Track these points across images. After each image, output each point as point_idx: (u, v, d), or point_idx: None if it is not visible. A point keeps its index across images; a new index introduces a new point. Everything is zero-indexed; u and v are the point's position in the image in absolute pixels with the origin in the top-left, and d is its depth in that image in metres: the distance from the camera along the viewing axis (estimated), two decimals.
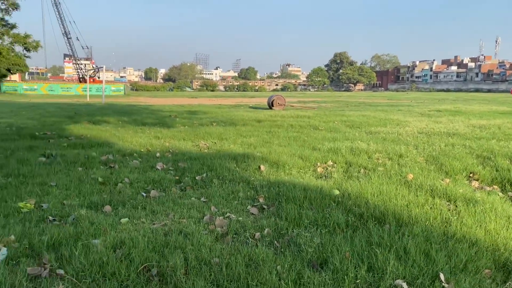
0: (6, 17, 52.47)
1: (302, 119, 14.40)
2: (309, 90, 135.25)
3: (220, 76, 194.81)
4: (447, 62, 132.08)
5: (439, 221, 3.71)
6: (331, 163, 6.32)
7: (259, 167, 5.93)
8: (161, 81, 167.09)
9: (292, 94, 74.08)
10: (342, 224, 3.59)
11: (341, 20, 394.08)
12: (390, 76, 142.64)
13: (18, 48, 56.05)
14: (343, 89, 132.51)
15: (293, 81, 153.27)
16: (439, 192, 4.55)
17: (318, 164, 6.28)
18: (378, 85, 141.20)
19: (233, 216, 3.88)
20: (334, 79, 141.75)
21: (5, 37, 54.13)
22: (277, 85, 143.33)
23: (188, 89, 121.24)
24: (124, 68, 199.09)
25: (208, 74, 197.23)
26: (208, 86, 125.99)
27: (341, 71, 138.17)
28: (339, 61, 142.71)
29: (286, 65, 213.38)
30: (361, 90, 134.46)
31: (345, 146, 7.69)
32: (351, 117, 14.89)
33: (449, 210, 4.05)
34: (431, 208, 4.06)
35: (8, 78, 61.44)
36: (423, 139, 9.01)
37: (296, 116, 15.61)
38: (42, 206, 4.04)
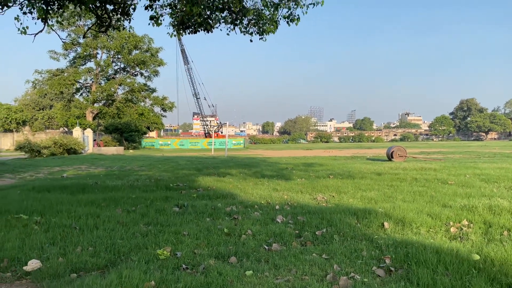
0: (148, 83, 62.07)
1: (427, 171, 13.35)
2: (432, 139, 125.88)
3: (334, 127, 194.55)
4: None
5: None
6: (466, 223, 5.66)
7: (383, 224, 5.61)
8: (277, 134, 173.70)
9: (413, 145, 69.78)
10: None
11: (467, 64, 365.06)
12: None
13: (157, 109, 65.17)
14: (472, 138, 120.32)
15: (413, 130, 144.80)
16: None
17: (451, 223, 5.68)
18: None
19: (357, 276, 3.68)
20: (461, 128, 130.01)
21: (147, 100, 63.57)
22: (395, 135, 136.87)
23: (302, 141, 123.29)
24: (243, 123, 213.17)
25: (322, 126, 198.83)
26: (322, 138, 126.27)
27: (469, 118, 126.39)
28: (466, 108, 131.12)
29: (405, 114, 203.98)
30: (494, 139, 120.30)
31: (482, 203, 6.83)
32: (485, 170, 13.28)
33: None
34: None
35: (147, 135, 70.53)
36: None
37: (420, 168, 14.55)
38: (177, 254, 4.39)
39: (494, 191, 8.72)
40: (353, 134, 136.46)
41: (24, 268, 4.00)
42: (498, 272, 3.59)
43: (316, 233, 5.31)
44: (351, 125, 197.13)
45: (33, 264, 4.05)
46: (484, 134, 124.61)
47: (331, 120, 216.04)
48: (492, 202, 6.99)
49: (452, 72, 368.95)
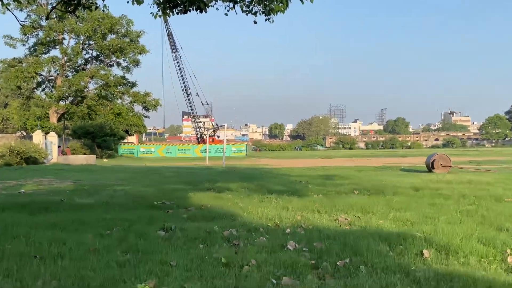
0: (127, 75, 62.41)
1: (477, 186, 13.30)
2: (484, 145, 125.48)
3: (360, 130, 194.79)
4: None
5: None
6: None
7: (422, 253, 5.59)
8: (288, 138, 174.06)
9: (460, 152, 69.60)
10: None
11: None
12: None
13: (137, 108, 65.46)
14: None
15: (459, 134, 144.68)
16: None
17: (508, 251, 5.65)
18: None
19: None
20: None
21: (125, 96, 63.82)
22: (437, 139, 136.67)
23: (320, 147, 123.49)
24: (246, 125, 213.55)
25: (345, 128, 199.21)
26: (345, 143, 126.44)
27: None
28: None
29: (449, 113, 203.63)
30: None
31: None
32: None
33: None
34: None
35: (125, 140, 70.82)
36: None
37: (468, 181, 14.51)
38: None
39: None
40: (383, 138, 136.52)
41: None
42: None
43: (338, 263, 5.29)
44: (381, 127, 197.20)
45: None
46: None
47: (355, 121, 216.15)
48: None
49: (508, 63, 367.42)
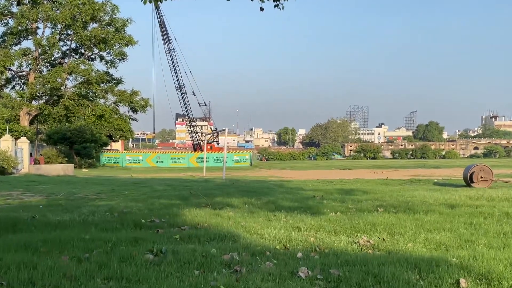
0: (111, 70, 62.60)
1: None
2: None
3: (385, 136, 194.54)
4: None
5: None
6: None
7: (458, 282, 5.56)
8: (300, 145, 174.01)
9: (504, 163, 69.38)
10: None
11: None
12: None
13: (123, 109, 65.66)
14: None
15: (503, 141, 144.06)
16: None
17: None
18: None
19: None
20: None
21: (109, 96, 64.00)
22: (476, 148, 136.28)
23: (338, 156, 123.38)
24: (251, 129, 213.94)
25: (368, 134, 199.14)
26: (368, 152, 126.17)
27: None
28: None
29: (491, 117, 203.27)
30: None
31: None
32: None
33: None
34: None
35: (109, 147, 71.04)
36: None
37: None
38: None
39: None
40: (413, 146, 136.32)
41: None
42: None
43: None
44: (410, 133, 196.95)
45: None
46: None
47: (380, 125, 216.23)
48: None
49: None
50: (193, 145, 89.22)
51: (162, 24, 79.95)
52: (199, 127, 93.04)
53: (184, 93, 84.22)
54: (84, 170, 47.71)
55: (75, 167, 43.29)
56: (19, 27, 55.79)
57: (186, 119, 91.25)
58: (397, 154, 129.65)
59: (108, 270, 6.27)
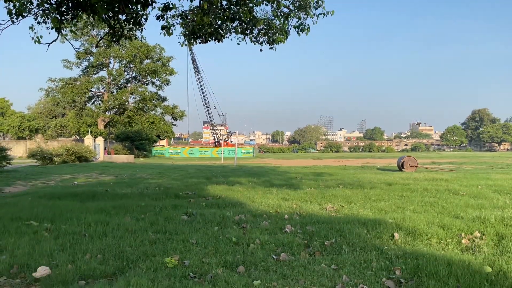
0: (159, 92, 62.62)
1: (438, 182, 13.19)
2: (444, 150, 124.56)
3: (344, 137, 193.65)
4: None
5: None
6: (478, 235, 5.56)
7: (393, 235, 5.54)
8: (287, 143, 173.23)
9: (424, 155, 69.11)
10: None
11: (479, 74, 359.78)
12: None
13: (167, 118, 65.59)
14: (484, 149, 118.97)
15: (424, 140, 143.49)
16: None
17: (462, 235, 5.59)
18: None
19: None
20: (473, 138, 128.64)
21: (158, 109, 64.06)
22: (406, 145, 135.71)
23: (312, 150, 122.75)
24: (253, 131, 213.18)
25: (332, 135, 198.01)
26: (332, 147, 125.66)
27: (481, 129, 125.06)
28: (478, 119, 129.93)
29: (416, 124, 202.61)
30: (507, 149, 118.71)
31: (495, 215, 6.72)
32: (498, 181, 13.09)
33: None
34: None
35: (157, 143, 70.91)
36: None
37: (431, 179, 14.39)
38: (185, 263, 4.39)
39: (507, 202, 8.57)
40: (363, 143, 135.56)
41: (34, 274, 4.03)
42: (511, 286, 3.51)
43: (325, 243, 5.27)
44: (361, 134, 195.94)
45: (42, 271, 4.07)
46: (496, 145, 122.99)
47: (341, 129, 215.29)
48: (505, 213, 6.88)
49: (464, 82, 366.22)
50: (214, 142, 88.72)
51: (193, 60, 79.36)
52: (219, 130, 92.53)
53: (208, 107, 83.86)
54: (141, 159, 47.62)
55: (135, 157, 43.19)
56: (97, 62, 55.90)
57: (209, 125, 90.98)
58: (352, 149, 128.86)
59: (157, 226, 6.28)
